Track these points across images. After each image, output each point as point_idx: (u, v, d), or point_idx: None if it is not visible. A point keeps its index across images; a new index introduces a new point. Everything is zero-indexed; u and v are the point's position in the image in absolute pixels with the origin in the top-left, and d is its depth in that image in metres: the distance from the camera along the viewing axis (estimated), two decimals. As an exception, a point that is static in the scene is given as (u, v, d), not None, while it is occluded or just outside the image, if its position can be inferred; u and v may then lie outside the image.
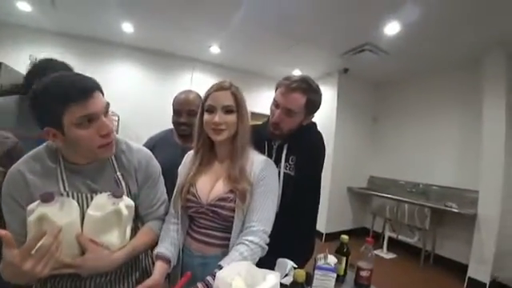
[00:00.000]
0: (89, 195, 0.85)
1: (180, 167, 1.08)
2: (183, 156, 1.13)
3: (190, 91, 1.56)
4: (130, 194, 0.91)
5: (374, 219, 4.24)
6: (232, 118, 0.94)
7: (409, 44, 3.18)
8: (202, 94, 1.02)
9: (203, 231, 0.98)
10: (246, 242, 0.86)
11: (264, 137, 1.22)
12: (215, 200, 0.94)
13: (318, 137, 1.27)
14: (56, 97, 0.73)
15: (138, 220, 0.96)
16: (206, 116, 0.95)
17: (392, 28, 2.87)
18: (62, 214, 0.76)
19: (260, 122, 1.35)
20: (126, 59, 4.04)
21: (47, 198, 0.74)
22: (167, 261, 0.91)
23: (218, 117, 0.93)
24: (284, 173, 1.16)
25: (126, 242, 0.87)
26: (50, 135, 0.77)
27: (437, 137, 3.89)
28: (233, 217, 0.92)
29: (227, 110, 0.94)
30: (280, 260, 0.99)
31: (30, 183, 0.79)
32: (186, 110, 1.49)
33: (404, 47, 3.27)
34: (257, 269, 0.68)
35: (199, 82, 4.32)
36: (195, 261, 0.95)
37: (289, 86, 1.12)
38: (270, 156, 1.16)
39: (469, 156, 3.47)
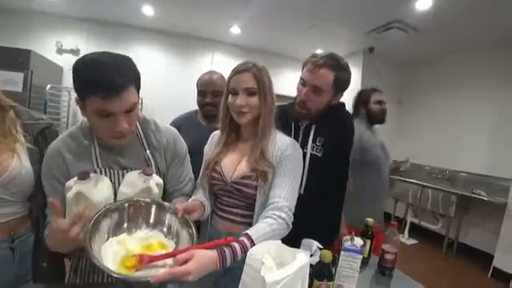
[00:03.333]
0: (120, 172, 0.89)
1: (206, 147, 1.10)
2: (208, 136, 1.14)
3: (213, 72, 1.56)
4: (158, 172, 0.94)
5: (396, 204, 4.16)
6: (254, 100, 0.94)
7: (442, 20, 2.96)
8: (225, 75, 1.00)
9: (228, 209, 1.01)
10: (274, 216, 0.87)
11: (291, 118, 1.20)
12: (239, 178, 0.95)
13: (348, 117, 1.24)
14: (86, 81, 0.75)
15: (166, 197, 0.99)
16: (230, 98, 0.96)
17: (423, 3, 2.67)
18: (97, 190, 0.80)
19: (285, 103, 1.33)
20: (147, 42, 4.07)
21: (83, 176, 0.78)
22: (203, 204, 0.94)
23: (239, 99, 0.93)
24: (311, 154, 1.14)
25: None
26: (79, 104, 0.81)
27: (467, 121, 3.69)
28: (255, 195, 0.94)
29: (249, 93, 0.93)
30: (305, 240, 1.00)
31: (67, 161, 0.85)
32: (210, 90, 1.49)
33: (436, 23, 3.06)
34: (286, 247, 0.68)
35: (220, 64, 4.28)
36: (220, 236, 0.96)
37: (316, 63, 1.09)
38: (296, 137, 1.14)
39: (503, 142, 3.27)
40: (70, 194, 0.77)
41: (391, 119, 4.52)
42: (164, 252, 0.75)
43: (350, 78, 1.16)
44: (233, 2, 3.04)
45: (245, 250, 0.75)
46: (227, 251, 0.74)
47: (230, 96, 0.96)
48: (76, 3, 3.36)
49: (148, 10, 3.39)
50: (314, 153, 1.15)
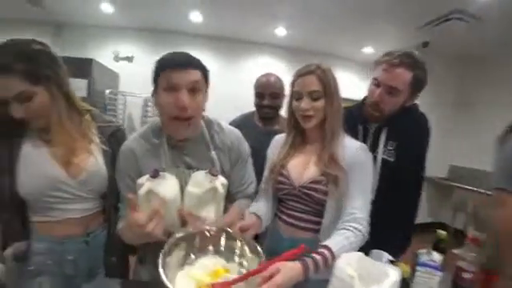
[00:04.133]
0: (186, 171, 0.91)
1: (268, 150, 1.09)
2: (265, 139, 1.13)
3: (270, 74, 1.56)
4: (223, 173, 0.95)
5: (455, 214, 3.78)
6: (319, 103, 0.90)
7: (508, 8, 2.63)
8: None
9: (294, 214, 0.97)
10: (351, 229, 0.83)
11: (358, 120, 1.14)
12: (308, 182, 0.92)
13: (423, 120, 1.14)
14: (159, 62, 0.85)
15: (229, 198, 0.99)
16: (294, 102, 0.94)
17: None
18: (166, 188, 0.83)
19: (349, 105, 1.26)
20: (196, 47, 4.19)
21: (154, 174, 0.81)
22: (259, 217, 0.92)
23: (304, 103, 0.90)
24: (382, 159, 1.06)
25: (220, 216, 0.91)
26: (153, 94, 0.88)
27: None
28: (325, 200, 0.89)
29: (314, 96, 0.90)
30: (375, 251, 0.92)
31: (138, 159, 0.91)
32: (268, 92, 1.49)
33: (504, 11, 2.72)
34: (368, 259, 0.62)
35: (267, 66, 4.27)
36: (285, 243, 0.95)
37: (391, 62, 1.02)
38: (365, 141, 1.08)
39: None
40: (141, 191, 0.81)
41: (448, 119, 4.20)
42: (229, 277, 0.73)
43: (426, 77, 1.06)
44: (279, 2, 3.02)
45: (325, 262, 0.73)
46: (310, 263, 0.72)
47: (294, 100, 0.94)
48: (128, 14, 3.61)
49: (196, 16, 3.52)
50: (386, 157, 1.07)
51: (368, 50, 4.00)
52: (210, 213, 0.89)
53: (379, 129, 1.11)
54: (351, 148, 0.92)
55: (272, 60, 4.49)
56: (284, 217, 0.99)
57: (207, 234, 0.83)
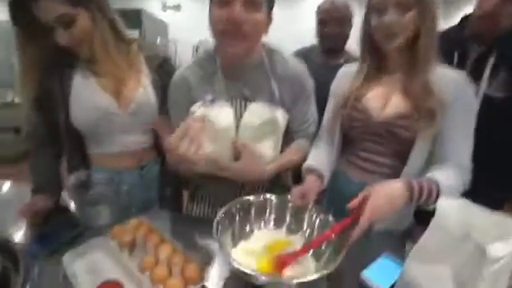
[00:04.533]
0: (243, 102, 0.82)
1: (333, 84, 0.92)
2: (328, 74, 0.95)
3: None
4: (283, 106, 0.84)
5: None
6: (410, 16, 0.68)
7: None
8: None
9: (368, 156, 0.82)
10: (454, 175, 0.67)
11: (455, 45, 0.88)
12: (392, 117, 0.74)
13: None
14: None
15: (289, 137, 0.89)
16: (374, 18, 0.72)
17: None
18: (220, 117, 0.77)
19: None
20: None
21: (207, 102, 0.76)
22: (319, 175, 0.80)
23: (389, 16, 0.69)
24: (485, 94, 0.83)
25: (276, 154, 0.85)
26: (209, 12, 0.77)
27: None
28: (413, 141, 0.72)
29: (402, 7, 0.68)
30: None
31: (192, 87, 0.85)
32: (332, 17, 1.25)
33: None
34: (483, 210, 0.46)
35: None
36: (353, 187, 0.80)
37: None
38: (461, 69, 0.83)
39: None
40: None
41: None
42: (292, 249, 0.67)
43: None
44: None
45: (430, 194, 0.62)
46: (415, 184, 0.61)
47: (373, 15, 0.73)
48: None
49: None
50: (491, 93, 0.82)
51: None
52: (266, 148, 0.80)
53: (483, 55, 0.84)
54: (450, 79, 0.71)
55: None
56: (354, 159, 0.85)
57: (262, 202, 0.76)
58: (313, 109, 0.93)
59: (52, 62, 0.82)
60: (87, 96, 0.84)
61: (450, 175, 0.67)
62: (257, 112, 0.78)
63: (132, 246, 0.70)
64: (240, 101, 0.83)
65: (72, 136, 0.89)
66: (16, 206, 0.82)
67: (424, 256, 0.41)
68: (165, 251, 0.65)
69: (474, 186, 0.73)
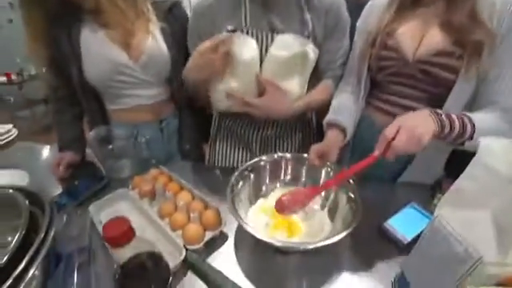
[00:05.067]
0: (269, 35, 0.77)
1: (359, 22, 0.81)
2: (357, 13, 0.84)
3: None
4: (314, 40, 0.78)
5: None
6: None
7: None
8: None
9: (398, 101, 0.74)
10: (497, 115, 0.59)
11: None
12: (430, 54, 0.64)
13: None
14: None
15: (317, 74, 0.84)
16: None
17: None
18: (244, 48, 0.72)
19: None
20: None
21: (231, 33, 0.71)
22: (342, 129, 0.75)
23: None
24: None
25: (303, 92, 0.80)
26: None
27: None
28: (452, 83, 0.63)
29: None
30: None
31: (215, 16, 0.79)
32: None
33: None
34: None
35: None
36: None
37: None
38: None
39: None
40: None
41: None
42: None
43: None
44: None
45: (463, 130, 0.56)
46: (445, 118, 0.55)
47: None
48: None
49: None
50: None
51: None
52: (293, 85, 0.76)
53: None
54: (504, 4, 0.58)
55: None
56: (382, 104, 0.77)
57: (278, 161, 0.73)
58: (345, 47, 0.85)
59: (58, 17, 0.80)
60: (97, 49, 0.82)
61: (491, 118, 0.58)
62: (286, 44, 0.72)
63: (152, 195, 0.71)
64: (267, 32, 0.76)
65: (89, 93, 0.89)
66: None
67: (460, 199, 0.37)
68: (183, 198, 0.66)
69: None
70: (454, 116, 0.56)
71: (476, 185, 0.35)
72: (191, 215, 0.61)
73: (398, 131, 0.53)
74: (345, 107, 0.79)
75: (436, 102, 0.67)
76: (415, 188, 0.77)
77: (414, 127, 0.52)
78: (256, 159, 0.72)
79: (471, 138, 0.57)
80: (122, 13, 0.80)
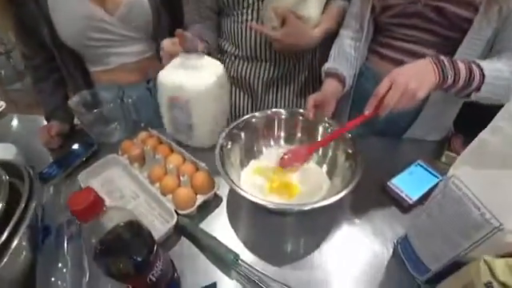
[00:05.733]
0: None
1: None
2: None
3: None
4: None
5: None
6: None
7: None
8: None
9: (405, 46, 0.65)
10: (506, 62, 0.51)
11: None
12: None
13: None
14: None
15: None
16: None
17: None
18: None
19: None
20: None
21: None
22: (340, 78, 0.69)
23: None
24: None
25: (320, 16, 0.76)
26: None
27: None
28: (469, 23, 0.54)
29: None
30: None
31: None
32: None
33: None
34: None
35: None
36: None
37: None
38: None
39: None
40: None
41: None
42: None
43: None
44: None
45: (470, 79, 0.50)
46: (446, 63, 0.49)
47: None
48: None
49: None
50: None
51: None
52: (311, 10, 0.72)
53: None
54: None
55: None
56: (387, 51, 0.69)
57: (270, 117, 0.68)
58: None
59: None
60: (66, 5, 0.73)
61: (506, 68, 0.51)
62: None
63: (141, 159, 0.68)
64: None
65: (67, 56, 0.82)
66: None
67: (482, 156, 0.31)
68: (173, 161, 0.63)
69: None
70: (460, 63, 0.49)
71: (503, 139, 0.30)
72: (181, 179, 0.58)
73: (390, 87, 0.47)
74: (344, 54, 0.72)
75: (449, 47, 0.58)
76: (422, 144, 0.72)
77: (408, 82, 0.46)
78: (247, 116, 0.66)
79: (479, 89, 0.50)
80: None
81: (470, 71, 0.49)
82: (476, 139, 0.33)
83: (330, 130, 0.65)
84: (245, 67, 0.87)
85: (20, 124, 1.06)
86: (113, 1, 0.74)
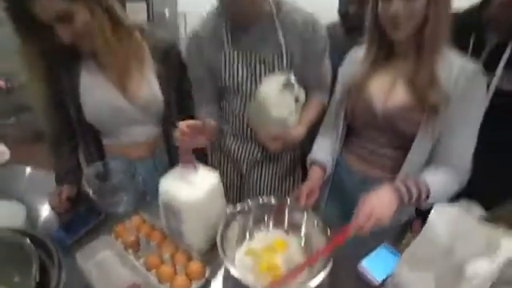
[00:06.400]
0: (249, 54, 0.91)
1: (341, 68, 0.90)
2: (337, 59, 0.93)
3: None
4: (292, 62, 0.90)
5: None
6: (418, 3, 0.63)
7: None
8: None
9: (369, 146, 0.82)
10: (448, 175, 0.69)
11: (472, 30, 0.82)
12: (396, 109, 0.73)
13: None
14: None
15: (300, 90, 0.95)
16: (381, 4, 0.68)
17: None
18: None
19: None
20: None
21: None
22: (323, 168, 0.85)
23: (395, 5, 0.63)
24: (497, 88, 0.79)
25: (298, 116, 0.91)
26: None
27: None
28: (415, 134, 0.71)
29: None
30: (464, 202, 0.76)
31: (202, 41, 0.93)
32: None
33: None
34: (473, 222, 0.47)
35: None
36: (354, 178, 0.85)
37: None
38: (476, 59, 0.79)
39: None
40: None
41: None
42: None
43: None
44: None
45: (418, 198, 0.66)
46: (404, 192, 0.65)
47: (379, 2, 0.68)
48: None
49: None
50: (507, 87, 0.78)
51: None
52: (290, 114, 0.88)
53: (502, 44, 0.78)
54: (461, 68, 0.67)
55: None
56: (356, 148, 0.86)
57: (265, 204, 0.79)
58: (327, 62, 0.96)
59: (57, 58, 0.83)
60: (94, 90, 0.86)
61: (444, 179, 0.69)
62: (272, 81, 0.83)
63: (136, 245, 0.73)
64: (247, 52, 0.90)
65: (86, 129, 0.92)
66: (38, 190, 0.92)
67: (413, 261, 0.44)
68: (168, 250, 0.69)
69: (476, 183, 0.73)
70: (412, 188, 0.66)
71: (424, 251, 0.42)
72: (177, 267, 0.65)
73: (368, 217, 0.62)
74: (326, 148, 0.89)
75: (402, 149, 0.75)
76: (389, 227, 0.84)
77: (381, 213, 0.62)
78: (243, 203, 0.78)
79: (426, 199, 0.67)
80: (115, 54, 0.82)
81: (419, 192, 0.66)
82: (409, 247, 0.46)
83: (314, 223, 0.75)
84: (233, 144, 1.00)
85: (20, 174, 1.13)
86: (133, 92, 0.88)
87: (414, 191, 0.65)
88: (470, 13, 0.85)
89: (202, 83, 1.00)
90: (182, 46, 1.03)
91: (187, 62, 0.98)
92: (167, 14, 3.42)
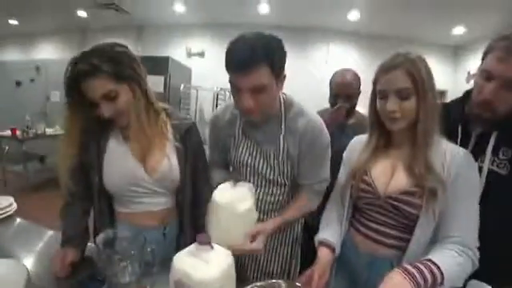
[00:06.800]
0: (255, 146, 1.01)
1: (346, 153, 0.99)
2: (339, 140, 1.03)
3: (346, 71, 1.44)
4: (288, 157, 0.97)
5: None
6: (409, 103, 0.75)
7: None
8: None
9: (375, 227, 0.85)
10: (457, 251, 0.70)
11: (458, 121, 0.93)
12: (397, 193, 0.79)
13: None
14: (226, 57, 0.83)
15: (297, 190, 1.03)
16: (379, 102, 0.81)
17: None
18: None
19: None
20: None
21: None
22: (332, 249, 0.86)
23: (390, 104, 0.76)
24: (490, 170, 0.86)
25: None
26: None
27: None
28: (417, 216, 0.75)
29: (402, 95, 0.75)
30: (474, 283, 0.76)
31: (220, 126, 1.06)
32: (343, 94, 1.39)
33: None
34: None
35: (336, 55, 4.07)
36: (361, 259, 0.85)
37: (510, 48, 0.77)
38: (465, 146, 0.88)
39: None
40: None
41: None
42: None
43: None
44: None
45: (434, 285, 0.65)
46: (418, 276, 0.64)
47: (378, 99, 0.81)
48: (198, 11, 3.82)
49: (264, 8, 3.51)
50: (495, 169, 0.86)
51: (459, 30, 3.39)
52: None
53: (487, 133, 0.89)
54: (453, 155, 0.76)
55: (343, 48, 4.22)
56: (362, 228, 0.88)
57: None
58: (326, 168, 1.01)
59: (92, 127, 0.92)
60: (117, 160, 0.93)
61: (452, 261, 0.69)
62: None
63: None
64: (254, 144, 1.00)
65: (102, 195, 0.97)
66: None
67: None
68: None
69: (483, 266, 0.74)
70: (428, 277, 0.65)
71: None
72: None
73: None
74: (333, 227, 0.91)
75: (407, 229, 0.78)
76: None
77: None
78: (252, 285, 0.77)
79: (442, 283, 0.66)
80: (144, 130, 0.92)
81: (432, 273, 0.65)
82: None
83: None
84: None
85: (25, 232, 1.14)
86: (153, 165, 0.94)
87: (426, 272, 0.65)
88: (456, 105, 0.97)
89: (215, 150, 1.14)
90: (192, 115, 1.19)
91: (208, 144, 1.11)
92: (182, 87, 3.77)
